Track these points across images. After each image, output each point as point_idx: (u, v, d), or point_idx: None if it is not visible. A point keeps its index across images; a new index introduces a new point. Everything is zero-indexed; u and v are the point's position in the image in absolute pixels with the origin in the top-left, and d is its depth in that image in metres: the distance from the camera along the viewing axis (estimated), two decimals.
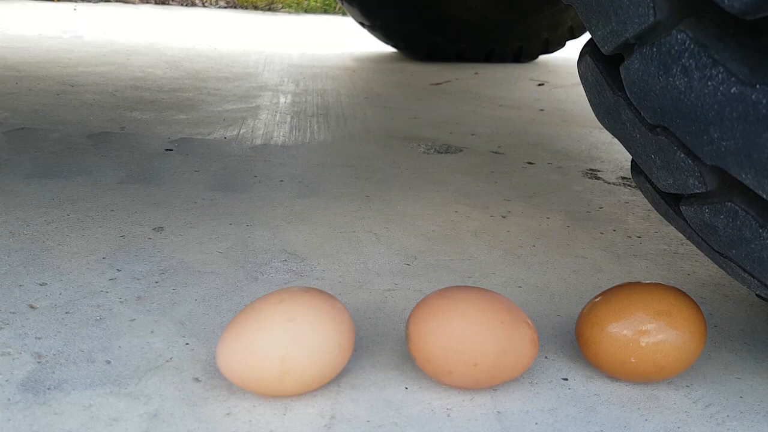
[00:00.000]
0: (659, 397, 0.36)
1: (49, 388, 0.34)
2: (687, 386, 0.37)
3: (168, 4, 2.74)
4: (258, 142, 0.83)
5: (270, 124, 0.92)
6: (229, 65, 1.40)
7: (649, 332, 0.35)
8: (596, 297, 0.38)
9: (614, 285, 0.41)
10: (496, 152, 0.85)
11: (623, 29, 0.31)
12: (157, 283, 0.46)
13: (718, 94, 0.27)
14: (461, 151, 0.84)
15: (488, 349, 0.33)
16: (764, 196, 0.28)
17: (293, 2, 2.78)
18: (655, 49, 0.30)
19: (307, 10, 2.87)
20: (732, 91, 0.27)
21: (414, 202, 0.65)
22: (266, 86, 1.19)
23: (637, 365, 0.35)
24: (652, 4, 0.29)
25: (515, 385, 0.37)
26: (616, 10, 0.31)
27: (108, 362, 0.36)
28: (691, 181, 0.32)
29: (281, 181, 0.69)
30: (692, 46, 0.28)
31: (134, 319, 0.41)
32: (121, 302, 0.43)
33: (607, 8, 0.32)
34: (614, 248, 0.56)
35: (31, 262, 0.48)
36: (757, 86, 0.26)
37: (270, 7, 2.79)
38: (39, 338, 0.38)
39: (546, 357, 0.39)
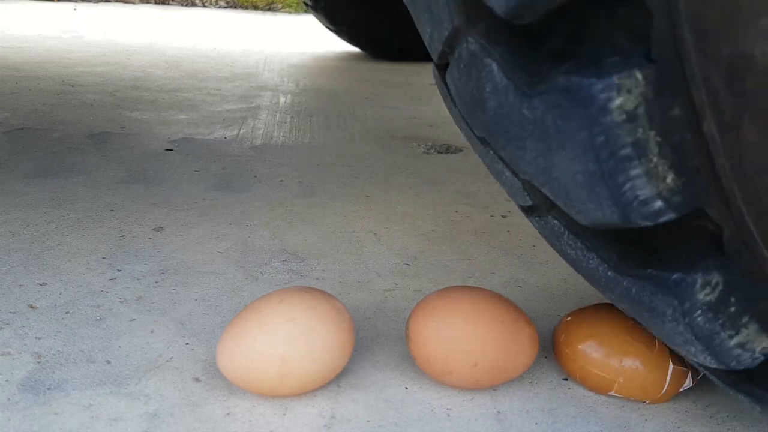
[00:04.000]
0: None
1: (49, 388, 0.34)
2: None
3: (168, 4, 2.74)
4: (258, 142, 0.83)
5: (270, 124, 0.92)
6: (229, 65, 1.40)
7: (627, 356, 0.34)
8: (567, 316, 0.38)
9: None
10: None
11: (439, 35, 0.28)
12: (157, 283, 0.46)
13: (505, 104, 0.25)
14: (461, 151, 0.84)
15: (488, 349, 0.33)
16: (561, 207, 0.26)
17: (293, 2, 2.78)
18: (459, 57, 0.27)
19: (307, 11, 2.87)
20: (513, 101, 0.25)
21: (414, 202, 0.65)
22: (266, 86, 1.19)
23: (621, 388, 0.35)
24: (448, 9, 0.26)
25: (515, 385, 0.37)
26: (430, 14, 0.28)
27: (108, 362, 0.36)
28: (519, 194, 0.30)
29: (281, 181, 0.69)
30: (482, 54, 0.25)
31: (134, 319, 0.41)
32: (121, 302, 0.43)
33: (423, 12, 0.29)
34: None
35: (31, 262, 0.48)
36: (535, 95, 0.24)
37: (270, 7, 2.79)
38: (39, 338, 0.38)
39: (546, 357, 0.39)
